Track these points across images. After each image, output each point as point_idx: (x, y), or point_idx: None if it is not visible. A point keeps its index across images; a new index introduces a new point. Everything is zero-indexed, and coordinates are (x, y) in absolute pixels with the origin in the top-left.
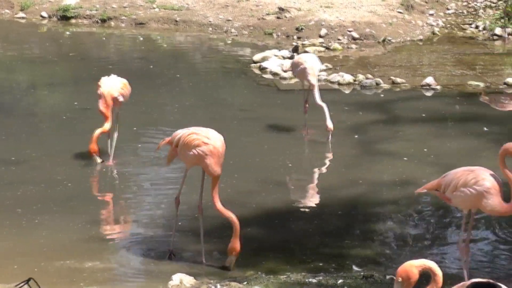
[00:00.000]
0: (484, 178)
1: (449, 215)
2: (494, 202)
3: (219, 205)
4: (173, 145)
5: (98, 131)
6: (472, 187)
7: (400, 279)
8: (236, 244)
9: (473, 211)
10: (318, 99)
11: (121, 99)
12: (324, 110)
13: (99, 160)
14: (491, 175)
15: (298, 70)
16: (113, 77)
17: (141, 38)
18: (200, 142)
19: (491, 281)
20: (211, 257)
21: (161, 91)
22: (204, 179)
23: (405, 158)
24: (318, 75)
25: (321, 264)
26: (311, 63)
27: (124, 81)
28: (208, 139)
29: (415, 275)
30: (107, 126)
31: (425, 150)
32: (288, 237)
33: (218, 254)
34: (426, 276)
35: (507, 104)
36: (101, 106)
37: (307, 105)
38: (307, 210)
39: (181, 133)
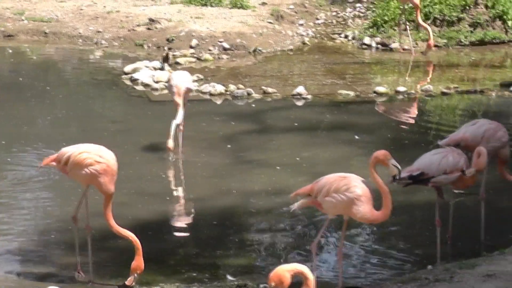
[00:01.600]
0: (355, 185)
1: (322, 223)
2: (365, 209)
3: (114, 225)
4: (61, 163)
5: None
6: (343, 194)
7: (273, 284)
8: (140, 262)
9: (345, 218)
10: (178, 119)
11: None
12: (171, 129)
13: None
14: (363, 182)
15: (167, 87)
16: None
17: (10, 51)
18: (93, 161)
19: (361, 286)
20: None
21: (32, 104)
22: (87, 195)
23: (278, 167)
24: (189, 93)
25: (195, 274)
26: (177, 81)
27: None
28: (101, 158)
29: (287, 279)
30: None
31: (297, 159)
32: (162, 248)
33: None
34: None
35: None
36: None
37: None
38: (181, 220)
39: (70, 151)
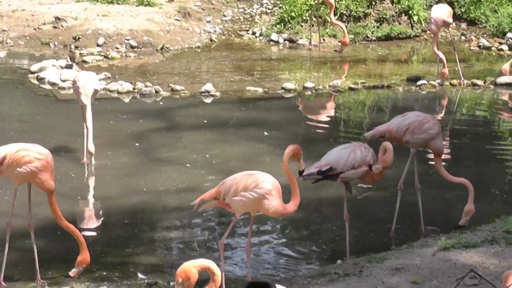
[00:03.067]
0: (263, 180)
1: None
2: (277, 203)
3: (62, 220)
4: None
5: None
6: (253, 191)
7: (180, 280)
8: (85, 255)
9: (252, 214)
10: (88, 121)
11: None
12: (88, 133)
13: None
14: (270, 177)
15: (74, 88)
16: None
17: None
18: (32, 158)
19: (268, 281)
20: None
21: None
22: (30, 195)
23: (188, 165)
24: (96, 94)
25: (105, 273)
26: (84, 82)
27: None
28: (40, 154)
29: (194, 275)
30: None
31: (207, 156)
32: (72, 247)
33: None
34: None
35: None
36: None
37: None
38: (92, 220)
39: (5, 150)
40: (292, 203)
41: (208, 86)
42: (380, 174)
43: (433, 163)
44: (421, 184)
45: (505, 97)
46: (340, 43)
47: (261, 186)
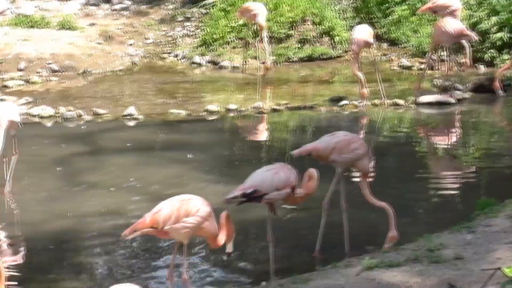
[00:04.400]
0: (202, 204)
1: (160, 241)
2: (215, 225)
3: None
4: None
5: None
6: (195, 216)
7: None
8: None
9: (187, 241)
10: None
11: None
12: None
13: None
14: (205, 200)
15: None
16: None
17: None
18: None
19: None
20: None
21: None
22: None
23: (112, 189)
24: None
25: None
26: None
27: None
28: None
29: None
30: None
31: (131, 179)
32: None
33: None
34: None
35: None
36: None
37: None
38: (16, 246)
39: None
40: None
41: (131, 110)
42: (302, 198)
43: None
44: (347, 204)
45: (426, 116)
46: (263, 65)
47: (202, 210)
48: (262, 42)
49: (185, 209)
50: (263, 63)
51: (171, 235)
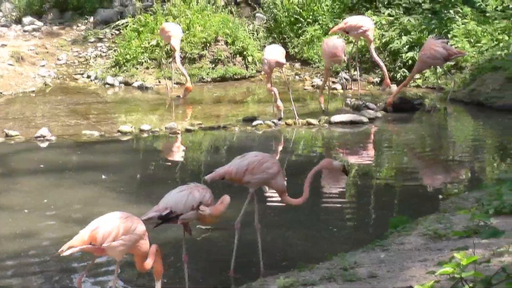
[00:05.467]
0: (138, 222)
1: (75, 261)
2: (147, 245)
3: None
4: None
5: None
6: (133, 233)
7: None
8: None
9: (120, 258)
10: None
11: None
12: None
13: None
14: (137, 218)
15: None
16: None
17: None
18: None
19: None
20: None
21: None
22: None
23: (25, 210)
24: None
25: None
26: None
27: None
28: None
29: None
30: None
31: (45, 201)
32: None
33: None
34: None
35: None
36: None
37: None
38: None
39: None
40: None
41: (44, 131)
42: (213, 218)
43: (272, 203)
44: (260, 223)
45: (339, 135)
46: (184, 86)
47: (138, 228)
48: (177, 63)
49: (124, 226)
50: (177, 83)
51: (107, 252)
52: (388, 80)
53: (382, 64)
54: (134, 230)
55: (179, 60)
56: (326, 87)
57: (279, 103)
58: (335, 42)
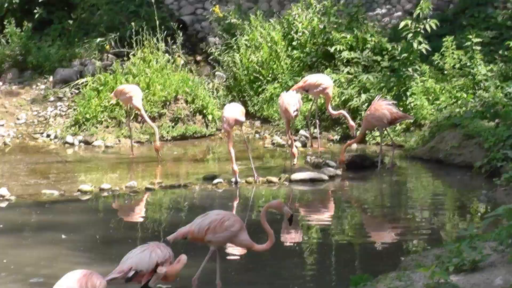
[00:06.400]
0: (100, 278)
1: None
2: None
3: None
4: None
5: None
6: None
7: None
8: None
9: None
10: None
11: None
12: None
13: None
14: (99, 275)
15: None
16: None
17: None
18: None
19: None
20: None
21: None
22: None
23: None
24: None
25: None
26: None
27: None
28: None
29: None
30: None
31: (4, 261)
32: None
33: None
34: None
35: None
36: None
37: None
38: None
39: None
40: None
41: (3, 190)
42: (172, 277)
43: (234, 261)
44: (221, 282)
45: (299, 193)
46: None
47: (102, 284)
48: (146, 120)
49: (91, 283)
50: (137, 142)
51: None
52: (352, 123)
53: (340, 111)
54: (99, 286)
55: (148, 119)
56: (289, 141)
57: (235, 167)
58: (289, 98)
